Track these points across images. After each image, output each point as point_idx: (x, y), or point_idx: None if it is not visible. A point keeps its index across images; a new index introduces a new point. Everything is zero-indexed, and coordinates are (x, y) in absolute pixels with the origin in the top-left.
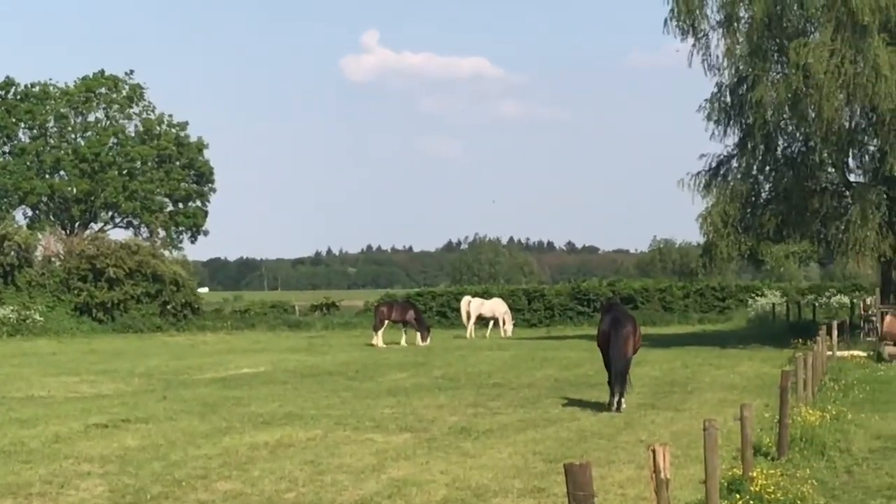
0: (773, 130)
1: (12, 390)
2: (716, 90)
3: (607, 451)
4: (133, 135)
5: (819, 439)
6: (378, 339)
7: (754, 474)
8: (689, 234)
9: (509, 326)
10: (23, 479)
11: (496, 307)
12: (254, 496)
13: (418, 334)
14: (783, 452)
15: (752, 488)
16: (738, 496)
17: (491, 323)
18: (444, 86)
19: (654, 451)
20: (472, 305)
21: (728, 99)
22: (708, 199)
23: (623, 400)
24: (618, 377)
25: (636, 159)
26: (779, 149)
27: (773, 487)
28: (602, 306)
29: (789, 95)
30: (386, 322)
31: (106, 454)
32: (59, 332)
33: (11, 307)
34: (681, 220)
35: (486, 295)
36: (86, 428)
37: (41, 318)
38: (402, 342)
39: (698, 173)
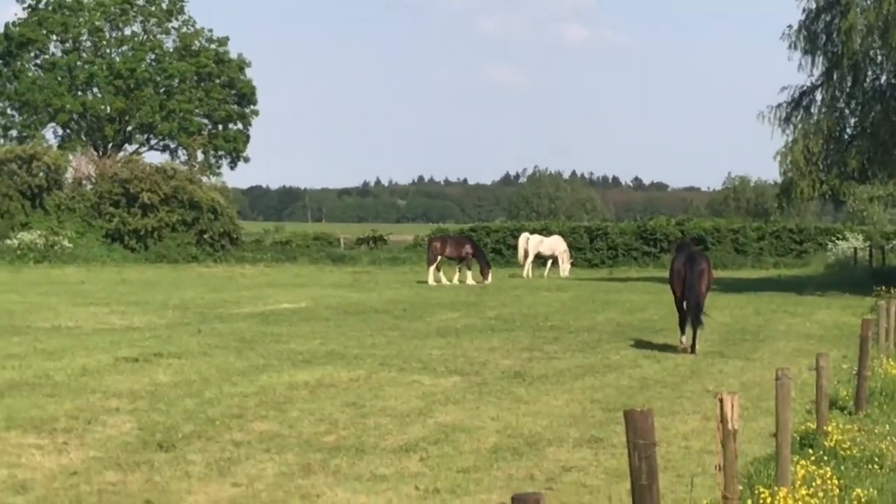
0: (861, 60)
1: (38, 320)
2: (803, 17)
3: (671, 400)
4: (171, 51)
5: None
6: (430, 276)
7: (829, 429)
8: (766, 171)
9: (567, 266)
10: (48, 413)
11: (556, 245)
12: (291, 438)
13: (469, 273)
14: (861, 406)
15: (826, 443)
16: (811, 451)
17: (549, 262)
18: (505, 6)
19: (721, 400)
20: (530, 243)
21: (815, 26)
22: (788, 133)
23: (697, 341)
24: (692, 316)
25: (711, 91)
26: (867, 80)
27: (849, 443)
28: (675, 246)
29: (880, 23)
30: (439, 258)
31: (136, 389)
32: (89, 260)
33: (39, 232)
34: (757, 156)
35: (544, 232)
36: (115, 361)
37: (70, 245)
38: (455, 280)
39: (779, 106)
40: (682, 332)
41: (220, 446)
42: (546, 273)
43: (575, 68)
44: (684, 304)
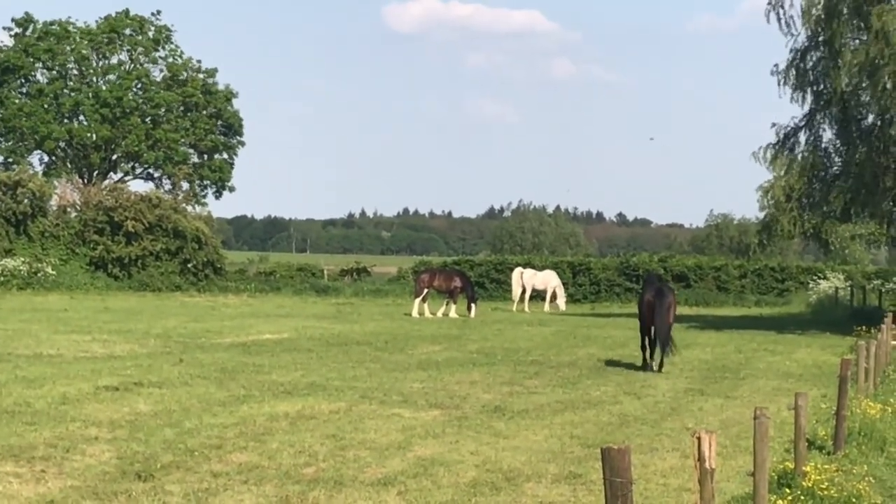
0: (849, 99)
1: (20, 347)
2: (791, 55)
3: (650, 437)
4: (158, 80)
5: (879, 434)
6: (415, 308)
7: (807, 468)
8: (749, 209)
9: (561, 300)
10: (26, 441)
11: (549, 279)
12: (270, 469)
13: (454, 306)
14: (839, 447)
15: (804, 483)
16: (788, 491)
17: (548, 296)
18: (494, 40)
19: (698, 439)
20: (524, 276)
21: (804, 64)
22: (776, 171)
23: (664, 361)
24: (661, 343)
25: (695, 129)
26: (853, 119)
27: (826, 483)
28: (644, 279)
29: (867, 64)
30: (426, 290)
31: (115, 418)
32: (72, 288)
33: (23, 259)
34: (741, 194)
35: (528, 266)
36: (95, 390)
37: (53, 272)
38: (440, 313)
39: (766, 146)
40: (645, 353)
41: (198, 477)
42: (526, 307)
43: (561, 103)
44: (652, 331)
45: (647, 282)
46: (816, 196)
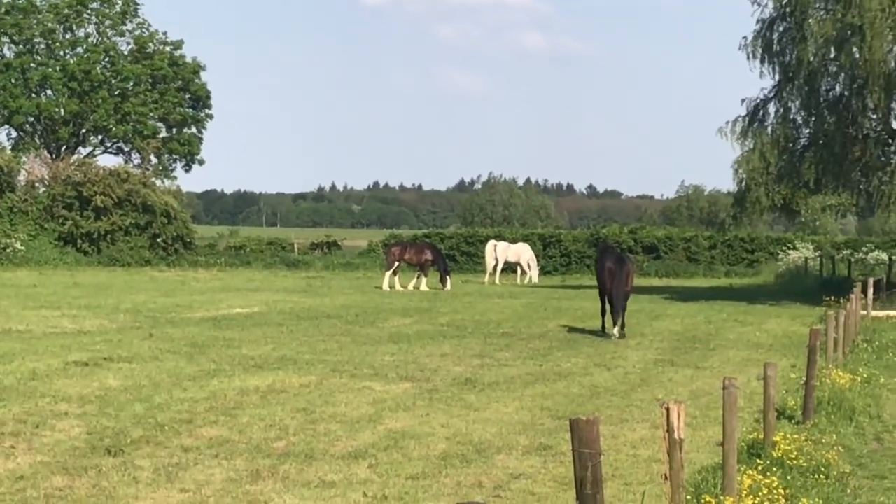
0: (816, 70)
1: None
2: (758, 26)
3: (620, 408)
4: (125, 53)
5: (848, 404)
6: (385, 281)
7: (777, 438)
8: (719, 181)
9: (534, 273)
10: None
11: (521, 252)
12: (241, 443)
13: (424, 280)
14: (809, 416)
15: (773, 453)
16: (758, 461)
17: (519, 269)
18: (465, 12)
19: (667, 410)
20: (498, 249)
21: (771, 34)
22: (746, 145)
23: (624, 325)
24: (620, 308)
25: (666, 100)
26: (821, 90)
27: (796, 453)
28: (599, 248)
29: (835, 33)
30: (397, 263)
31: (85, 394)
32: (41, 263)
33: None
34: (711, 165)
35: (498, 238)
36: (65, 365)
37: (22, 248)
38: (410, 286)
39: (736, 119)
40: (605, 318)
41: (168, 452)
42: (497, 279)
43: (532, 76)
44: (612, 296)
45: (603, 251)
46: (787, 167)
